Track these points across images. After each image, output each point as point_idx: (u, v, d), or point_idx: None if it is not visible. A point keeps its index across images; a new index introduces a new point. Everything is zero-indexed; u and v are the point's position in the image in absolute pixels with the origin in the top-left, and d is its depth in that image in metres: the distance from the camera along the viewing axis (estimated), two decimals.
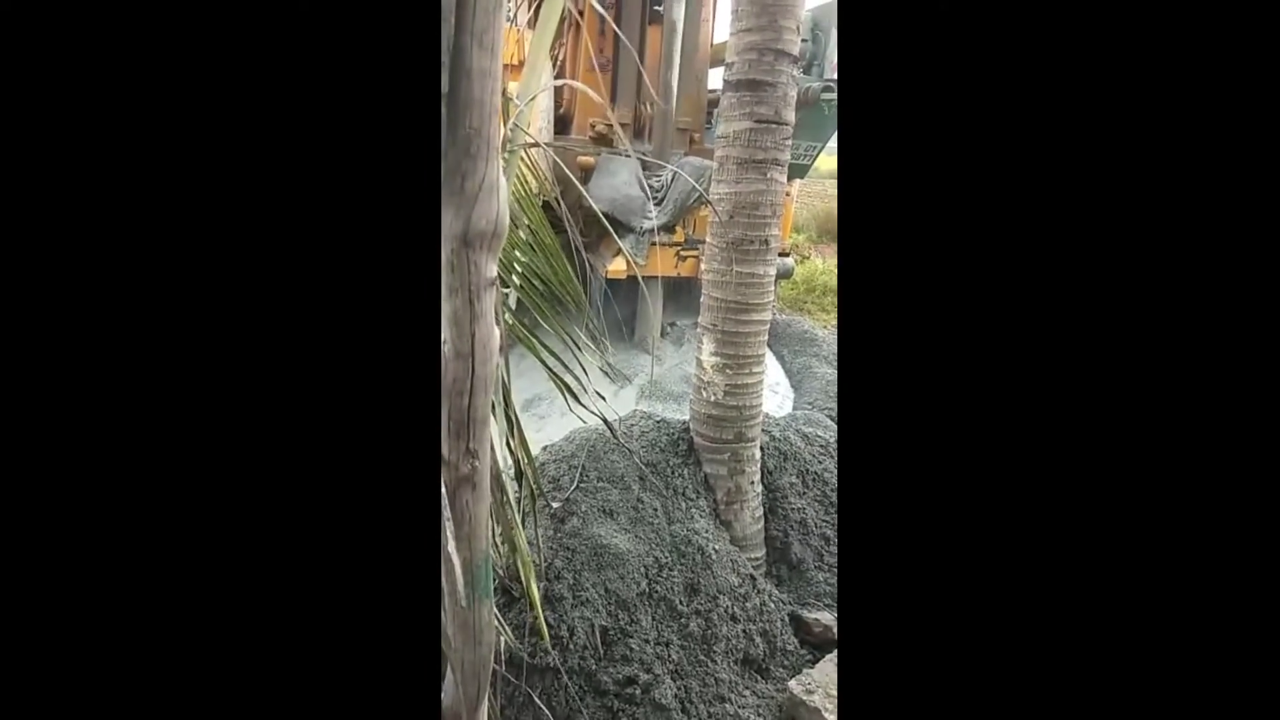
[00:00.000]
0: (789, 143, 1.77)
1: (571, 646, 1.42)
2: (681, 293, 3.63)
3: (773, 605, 1.77)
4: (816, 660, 1.67)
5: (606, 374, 1.47)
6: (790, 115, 1.74)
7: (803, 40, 1.89)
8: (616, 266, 2.96)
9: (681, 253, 3.20)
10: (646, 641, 1.51)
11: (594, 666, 1.43)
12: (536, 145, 1.20)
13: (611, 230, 1.34)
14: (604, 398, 1.53)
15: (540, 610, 1.14)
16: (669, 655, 1.52)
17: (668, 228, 3.12)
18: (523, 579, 1.23)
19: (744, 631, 1.67)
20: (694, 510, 1.84)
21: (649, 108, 3.15)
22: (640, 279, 1.38)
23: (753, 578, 1.78)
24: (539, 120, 2.88)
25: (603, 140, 2.98)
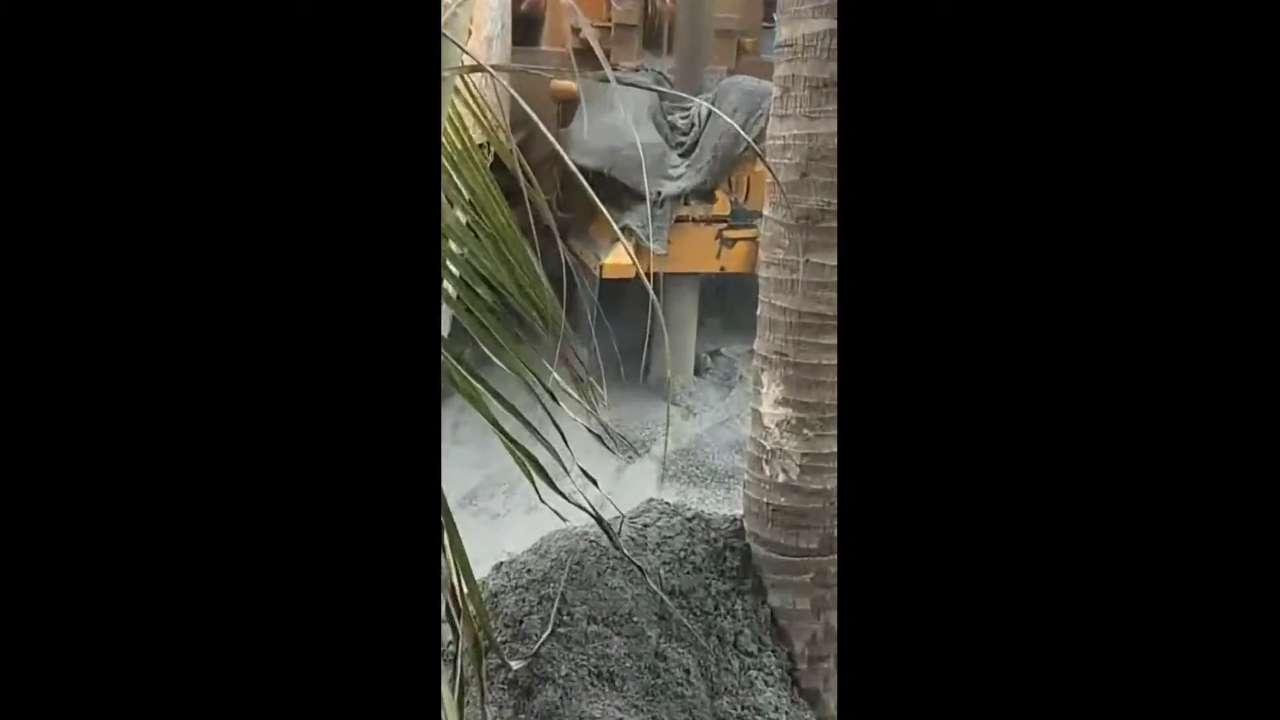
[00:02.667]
0: None
1: None
2: (728, 299, 3.62)
3: None
4: None
5: (602, 440, 1.47)
6: None
7: None
8: (617, 260, 2.98)
9: (725, 234, 3.21)
10: None
11: None
12: (479, 69, 1.23)
13: (603, 207, 1.35)
14: (596, 482, 1.52)
15: None
16: None
17: (702, 193, 3.14)
18: None
19: None
20: (755, 673, 1.82)
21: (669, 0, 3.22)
22: (653, 282, 1.38)
23: None
24: (486, 25, 2.94)
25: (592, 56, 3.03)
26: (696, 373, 3.62)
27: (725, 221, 3.31)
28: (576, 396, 1.41)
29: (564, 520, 1.52)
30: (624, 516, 2.01)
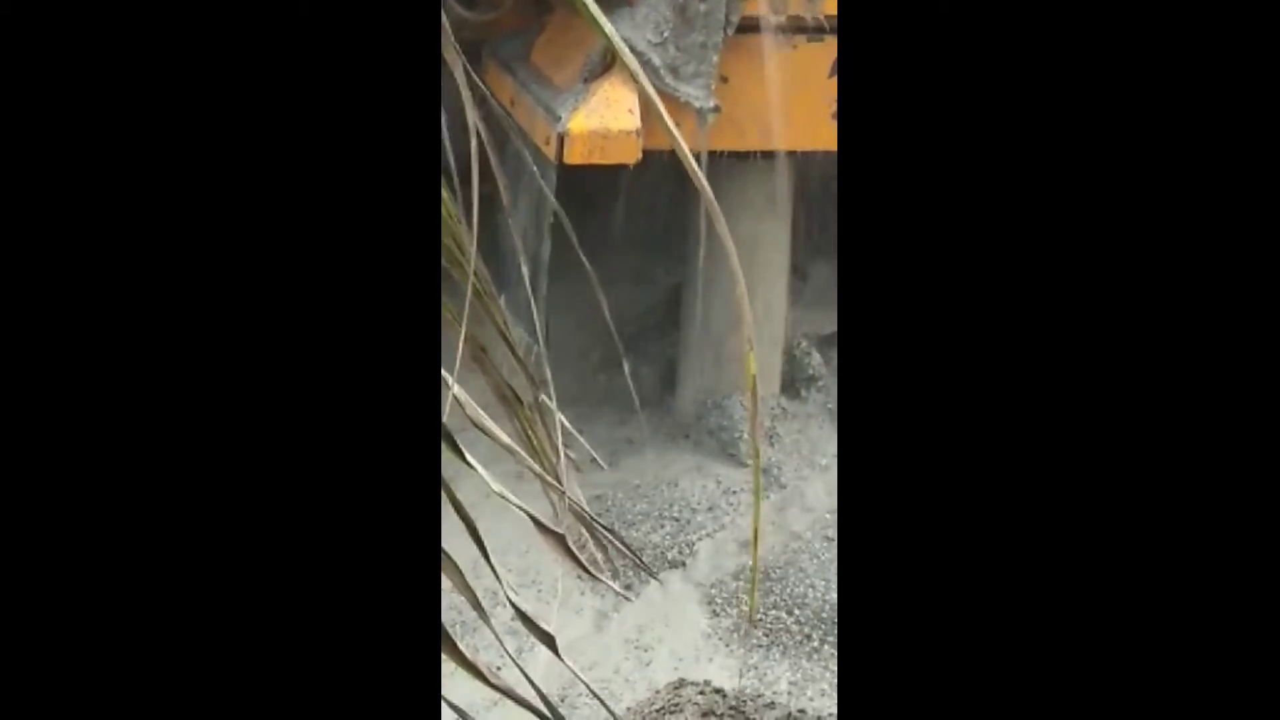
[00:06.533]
0: None
1: None
2: None
3: None
4: None
5: (576, 557, 0.78)
6: None
7: None
8: (595, 124, 1.70)
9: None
10: None
11: None
12: None
13: None
14: (555, 647, 0.79)
15: None
16: None
17: None
18: None
19: None
20: None
21: None
22: (698, 175, 0.65)
23: None
24: None
25: None
26: (789, 384, 2.34)
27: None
28: (510, 444, 0.80)
29: None
30: None
